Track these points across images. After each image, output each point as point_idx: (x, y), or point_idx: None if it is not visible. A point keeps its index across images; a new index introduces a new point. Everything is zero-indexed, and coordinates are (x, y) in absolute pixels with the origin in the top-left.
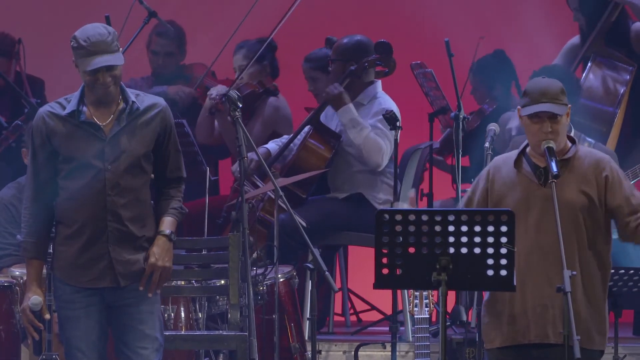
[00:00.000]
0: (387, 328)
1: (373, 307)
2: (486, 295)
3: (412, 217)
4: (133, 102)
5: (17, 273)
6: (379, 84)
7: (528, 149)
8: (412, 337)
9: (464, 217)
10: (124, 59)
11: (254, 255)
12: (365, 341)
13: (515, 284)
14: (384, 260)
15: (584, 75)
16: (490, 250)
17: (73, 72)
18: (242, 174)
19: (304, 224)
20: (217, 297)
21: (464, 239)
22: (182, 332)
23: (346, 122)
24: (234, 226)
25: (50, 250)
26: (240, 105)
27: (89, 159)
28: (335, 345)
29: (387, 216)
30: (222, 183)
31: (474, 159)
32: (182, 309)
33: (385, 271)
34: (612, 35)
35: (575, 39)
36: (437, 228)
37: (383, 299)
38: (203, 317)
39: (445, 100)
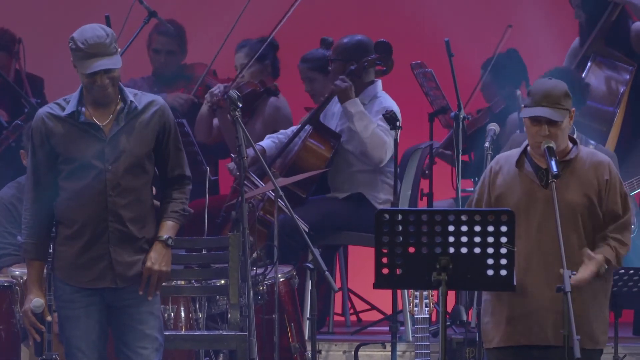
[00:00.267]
0: (387, 328)
1: (373, 307)
2: (486, 295)
3: (412, 217)
4: (131, 101)
5: (17, 273)
6: (379, 83)
7: (529, 149)
8: (412, 337)
9: (464, 217)
10: (123, 59)
11: (254, 255)
12: (365, 341)
13: (515, 284)
14: (384, 260)
15: (584, 74)
16: (490, 250)
17: (73, 71)
18: (241, 174)
19: (307, 229)
20: (217, 296)
21: (464, 239)
22: (182, 332)
23: (355, 113)
24: (234, 226)
25: (51, 250)
26: (240, 105)
27: (89, 159)
28: (335, 345)
29: (387, 216)
30: (222, 183)
31: (477, 155)
32: (182, 308)
33: (385, 271)
34: (613, 35)
35: (576, 43)
36: (437, 228)
37: (383, 298)
38: (203, 317)
39: (445, 100)
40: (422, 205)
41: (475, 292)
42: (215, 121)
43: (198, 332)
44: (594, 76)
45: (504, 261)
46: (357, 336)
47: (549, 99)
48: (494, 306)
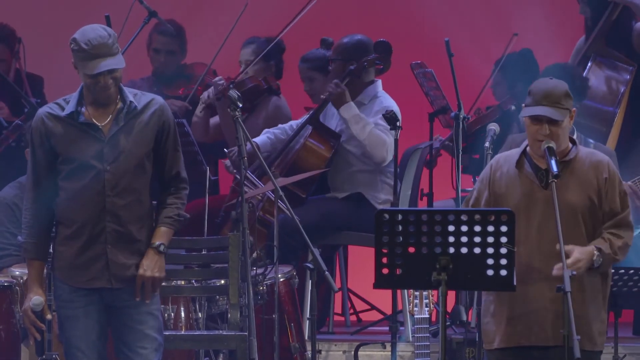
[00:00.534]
0: (387, 328)
1: (373, 307)
2: (486, 295)
3: (412, 217)
4: (131, 101)
5: (17, 273)
6: (379, 83)
7: (528, 149)
8: (412, 337)
9: (464, 217)
10: (124, 59)
11: (254, 255)
12: (365, 341)
13: (515, 284)
14: (384, 260)
15: (584, 74)
16: (490, 250)
17: (72, 70)
18: (241, 174)
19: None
20: (217, 296)
21: (464, 239)
22: (182, 332)
23: (349, 118)
24: (234, 226)
25: (51, 250)
26: (240, 105)
27: (88, 159)
28: (335, 345)
29: (387, 216)
30: (222, 183)
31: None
32: (182, 308)
33: (385, 271)
34: (614, 35)
35: (581, 40)
36: (437, 228)
37: (383, 298)
38: (203, 316)
39: (445, 100)
40: (422, 205)
41: (475, 292)
42: (213, 120)
43: (198, 332)
44: (594, 76)
45: (504, 261)
46: (357, 336)
47: (549, 98)
48: (494, 306)
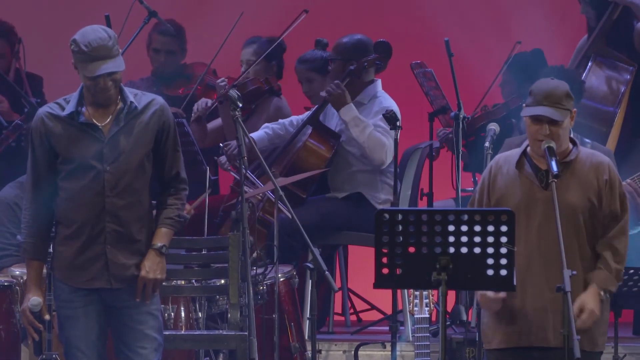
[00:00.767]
0: (387, 328)
1: (373, 307)
2: None
3: (412, 217)
4: (131, 102)
5: (17, 273)
6: (379, 83)
7: (529, 149)
8: (412, 336)
9: (463, 217)
10: (124, 60)
11: (254, 254)
12: (365, 341)
13: (515, 284)
14: (384, 259)
15: (584, 74)
16: (490, 250)
17: (72, 70)
18: (241, 175)
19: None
20: (217, 296)
21: (464, 239)
22: (182, 332)
23: (349, 120)
24: (234, 226)
25: (50, 250)
26: (240, 105)
27: (88, 160)
28: (335, 345)
29: (387, 216)
30: (222, 182)
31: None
32: (182, 308)
33: (385, 271)
34: (615, 35)
35: (583, 39)
36: (437, 228)
37: (383, 298)
38: (203, 316)
39: (445, 99)
40: (422, 205)
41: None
42: (211, 125)
43: (198, 332)
44: (595, 76)
45: (504, 261)
46: (357, 336)
47: (550, 99)
48: None
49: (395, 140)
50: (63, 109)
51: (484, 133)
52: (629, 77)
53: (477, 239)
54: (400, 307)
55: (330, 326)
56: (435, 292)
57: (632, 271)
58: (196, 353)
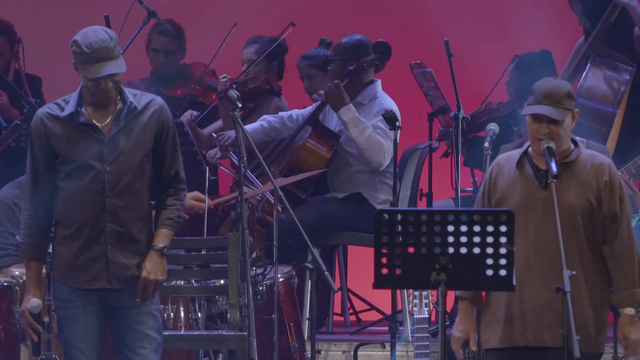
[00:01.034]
0: (387, 328)
1: (372, 307)
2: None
3: (411, 217)
4: (131, 102)
5: (17, 273)
6: (378, 83)
7: (530, 149)
8: (411, 337)
9: (463, 217)
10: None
11: (254, 255)
12: (364, 341)
13: (514, 284)
14: (384, 260)
15: (583, 75)
16: (489, 250)
17: (71, 70)
18: (240, 175)
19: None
20: (217, 296)
21: (464, 239)
22: (182, 332)
23: (348, 120)
24: (233, 226)
25: (50, 250)
26: (240, 105)
27: (88, 160)
28: (335, 345)
29: (386, 216)
30: (221, 183)
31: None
32: (181, 308)
33: (384, 271)
34: (614, 36)
35: (580, 41)
36: (437, 228)
37: (382, 298)
38: (202, 316)
39: (444, 100)
40: (422, 205)
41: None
42: (207, 130)
43: (197, 332)
44: (594, 76)
45: (503, 261)
46: (357, 336)
47: (550, 98)
48: (490, 307)
49: (395, 141)
50: (62, 109)
51: (484, 131)
52: (628, 77)
53: (477, 239)
54: (399, 307)
55: (329, 326)
56: (434, 292)
57: None
58: (195, 353)
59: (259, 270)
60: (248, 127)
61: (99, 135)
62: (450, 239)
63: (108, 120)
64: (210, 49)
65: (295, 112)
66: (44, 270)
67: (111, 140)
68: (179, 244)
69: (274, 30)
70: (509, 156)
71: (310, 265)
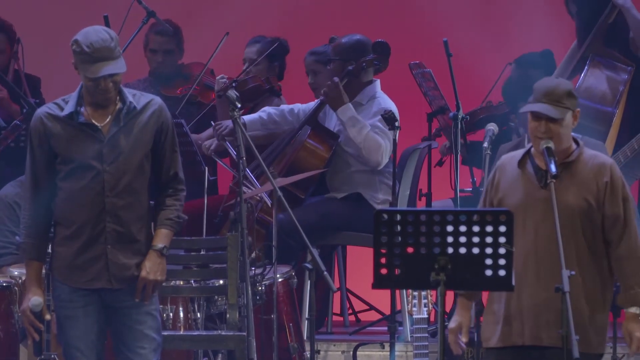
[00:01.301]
0: (386, 328)
1: (372, 307)
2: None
3: (410, 217)
4: (130, 102)
5: (16, 273)
6: (377, 83)
7: (532, 149)
8: (410, 337)
9: (462, 217)
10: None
11: (253, 255)
12: (363, 341)
13: (514, 284)
14: (383, 260)
15: (582, 75)
16: (488, 251)
17: (71, 70)
18: (240, 175)
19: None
20: (216, 297)
21: (463, 239)
22: (181, 332)
23: (346, 120)
24: (232, 226)
25: (49, 250)
26: (239, 106)
27: (87, 160)
28: (334, 345)
29: (385, 216)
30: (220, 183)
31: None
32: (180, 309)
33: (383, 271)
34: (612, 36)
35: (574, 45)
36: (436, 228)
37: (382, 299)
38: (202, 317)
39: (443, 100)
40: (421, 205)
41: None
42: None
43: (197, 332)
44: (593, 76)
45: (502, 261)
46: (356, 336)
47: (549, 96)
48: (489, 306)
49: (394, 141)
50: (62, 109)
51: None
52: (627, 77)
53: (476, 240)
54: (398, 307)
55: (328, 326)
56: (433, 292)
57: None
58: (195, 353)
59: (258, 271)
60: (247, 118)
61: (99, 135)
62: (450, 239)
63: (107, 120)
64: (208, 48)
65: (297, 107)
66: (43, 271)
67: (111, 140)
68: (179, 244)
69: (274, 30)
70: (512, 156)
71: (309, 266)
